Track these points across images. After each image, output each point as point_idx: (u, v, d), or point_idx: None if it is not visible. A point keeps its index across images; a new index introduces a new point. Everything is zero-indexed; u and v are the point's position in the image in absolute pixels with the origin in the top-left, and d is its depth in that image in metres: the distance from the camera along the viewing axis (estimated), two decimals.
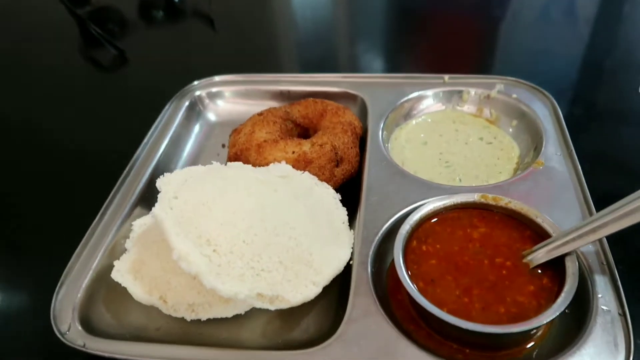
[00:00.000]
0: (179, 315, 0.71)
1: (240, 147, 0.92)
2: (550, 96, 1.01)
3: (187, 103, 1.11)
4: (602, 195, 0.84)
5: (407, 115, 1.06)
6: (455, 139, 0.99)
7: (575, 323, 0.65)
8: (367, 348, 0.63)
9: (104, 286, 0.77)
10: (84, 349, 0.66)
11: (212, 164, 0.82)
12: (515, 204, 0.75)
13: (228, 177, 0.75)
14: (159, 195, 0.71)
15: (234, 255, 0.67)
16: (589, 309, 0.65)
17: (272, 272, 0.68)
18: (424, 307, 0.64)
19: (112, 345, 0.67)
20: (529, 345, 0.66)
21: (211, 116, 1.14)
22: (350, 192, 0.90)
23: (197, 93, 1.14)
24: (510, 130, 1.01)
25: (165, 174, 0.75)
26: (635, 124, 1.05)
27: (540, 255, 0.68)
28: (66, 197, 1.01)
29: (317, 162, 0.87)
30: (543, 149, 0.89)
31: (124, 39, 1.61)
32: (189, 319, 0.71)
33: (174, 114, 1.08)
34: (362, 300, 0.69)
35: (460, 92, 1.07)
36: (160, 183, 0.73)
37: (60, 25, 1.68)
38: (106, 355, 0.66)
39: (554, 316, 0.60)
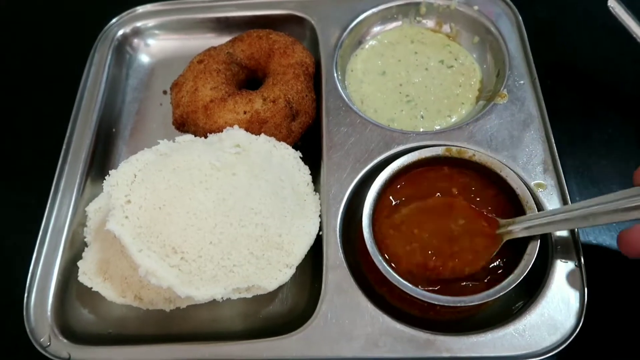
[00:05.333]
0: (157, 308, 0.72)
1: (185, 108, 0.83)
2: (514, 7, 0.92)
3: (112, 48, 0.96)
4: (565, 114, 0.86)
5: (362, 38, 0.97)
6: (415, 64, 0.93)
7: (536, 275, 0.69)
8: (345, 326, 0.66)
9: (74, 283, 0.75)
10: None
11: (158, 143, 0.75)
12: (480, 157, 0.74)
13: (180, 168, 0.69)
14: (110, 202, 0.66)
15: (203, 259, 0.65)
16: (547, 263, 0.69)
17: (244, 266, 0.68)
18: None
19: (98, 352, 0.68)
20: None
21: (144, 59, 1.01)
22: (310, 143, 0.86)
23: (121, 32, 0.98)
24: (472, 48, 0.94)
25: (110, 171, 0.69)
26: (601, 36, 0.98)
27: (517, 230, 0.67)
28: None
29: (272, 121, 0.81)
30: (506, 77, 0.85)
31: None
32: (168, 310, 0.72)
33: (101, 65, 0.94)
34: (335, 275, 0.70)
35: (418, 4, 0.96)
36: (107, 187, 0.67)
37: None
38: None
39: (509, 289, 0.64)
